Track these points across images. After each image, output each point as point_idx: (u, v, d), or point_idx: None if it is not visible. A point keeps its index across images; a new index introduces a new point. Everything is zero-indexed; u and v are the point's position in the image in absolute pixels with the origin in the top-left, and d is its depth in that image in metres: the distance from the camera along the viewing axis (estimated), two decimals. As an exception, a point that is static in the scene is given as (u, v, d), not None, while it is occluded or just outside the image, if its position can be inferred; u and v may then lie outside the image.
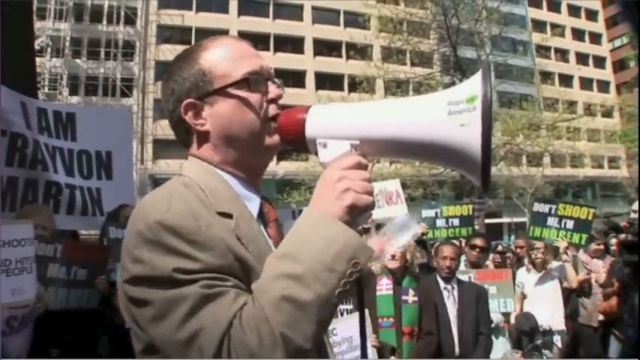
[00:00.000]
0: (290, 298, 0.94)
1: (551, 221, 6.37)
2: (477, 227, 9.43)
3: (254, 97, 1.20)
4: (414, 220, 2.20)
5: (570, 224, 6.30)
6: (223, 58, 1.21)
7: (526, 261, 6.26)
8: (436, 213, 7.39)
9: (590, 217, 6.34)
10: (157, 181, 32.48)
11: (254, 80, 1.20)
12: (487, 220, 18.90)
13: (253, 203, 1.21)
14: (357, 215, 1.05)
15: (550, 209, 6.47)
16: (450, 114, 1.04)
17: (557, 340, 5.47)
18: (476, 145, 1.01)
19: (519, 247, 7.50)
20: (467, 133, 1.02)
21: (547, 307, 5.50)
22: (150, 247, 0.99)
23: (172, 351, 0.97)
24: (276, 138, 1.21)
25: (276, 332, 0.92)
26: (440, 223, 7.29)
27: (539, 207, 6.61)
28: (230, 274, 1.01)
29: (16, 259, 2.96)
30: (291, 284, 0.95)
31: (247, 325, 0.93)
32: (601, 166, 40.67)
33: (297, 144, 1.18)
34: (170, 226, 1.00)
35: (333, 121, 1.15)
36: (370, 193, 1.07)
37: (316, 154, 1.16)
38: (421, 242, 6.11)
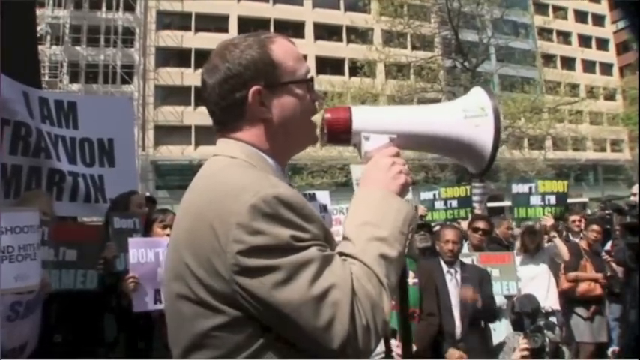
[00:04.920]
0: (384, 256, 1.18)
1: (535, 200, 6.43)
2: (478, 211, 9.45)
3: (310, 96, 1.36)
4: None
5: (553, 200, 6.38)
6: (291, 55, 1.34)
7: (517, 244, 6.29)
8: (434, 195, 7.44)
9: (565, 190, 6.48)
10: (158, 168, 32.56)
11: (312, 82, 1.37)
12: (489, 204, 18.88)
13: None
14: (405, 191, 1.33)
15: (530, 188, 6.53)
16: (466, 118, 1.38)
17: (554, 320, 5.51)
18: (488, 141, 1.38)
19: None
20: (481, 132, 1.38)
21: (539, 288, 5.52)
22: (268, 220, 1.09)
23: (303, 309, 1.07)
24: (316, 134, 1.40)
25: (382, 282, 1.15)
26: (438, 205, 7.34)
27: (518, 188, 6.67)
28: (325, 241, 1.18)
29: (19, 245, 2.99)
30: (382, 245, 1.19)
31: (362, 279, 1.13)
32: (603, 149, 40.54)
33: (341, 137, 1.39)
34: (286, 201, 1.12)
35: (374, 119, 1.40)
36: (410, 174, 1.36)
37: (355, 145, 1.40)
38: (425, 226, 6.07)
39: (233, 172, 1.20)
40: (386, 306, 1.14)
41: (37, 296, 3.21)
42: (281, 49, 1.32)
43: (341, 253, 1.19)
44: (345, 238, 1.24)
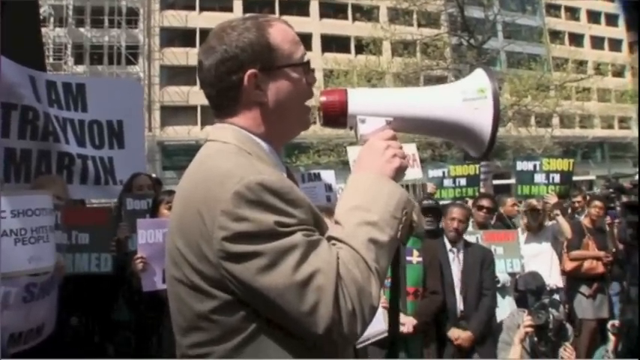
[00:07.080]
0: (374, 240, 1.18)
1: (539, 178, 6.42)
2: (483, 188, 9.46)
3: (306, 80, 1.36)
4: None
5: (557, 178, 6.37)
6: (288, 39, 1.34)
7: (521, 222, 6.29)
8: (443, 173, 7.42)
9: (571, 168, 6.45)
10: (165, 148, 32.58)
11: (308, 65, 1.37)
12: (495, 182, 18.83)
13: (282, 171, 1.34)
14: (400, 175, 1.32)
15: (535, 166, 6.50)
16: (464, 100, 1.35)
17: (558, 298, 5.55)
18: (487, 125, 1.35)
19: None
20: (480, 116, 1.35)
21: (542, 266, 5.54)
22: (252, 206, 1.10)
23: (287, 294, 1.08)
24: (310, 118, 1.40)
25: (371, 267, 1.15)
26: (447, 182, 7.33)
27: (522, 165, 6.65)
28: (314, 226, 1.19)
29: (32, 228, 3.04)
30: (371, 229, 1.19)
31: (349, 264, 1.13)
32: (611, 127, 40.13)
33: (337, 119, 1.38)
34: (270, 187, 1.12)
35: (371, 102, 1.39)
36: (405, 157, 1.35)
37: (351, 128, 1.39)
38: (433, 209, 5.35)
39: (221, 158, 1.22)
40: (374, 291, 1.14)
41: (51, 278, 3.26)
42: (279, 32, 1.32)
43: (330, 238, 1.20)
44: (335, 222, 1.24)
